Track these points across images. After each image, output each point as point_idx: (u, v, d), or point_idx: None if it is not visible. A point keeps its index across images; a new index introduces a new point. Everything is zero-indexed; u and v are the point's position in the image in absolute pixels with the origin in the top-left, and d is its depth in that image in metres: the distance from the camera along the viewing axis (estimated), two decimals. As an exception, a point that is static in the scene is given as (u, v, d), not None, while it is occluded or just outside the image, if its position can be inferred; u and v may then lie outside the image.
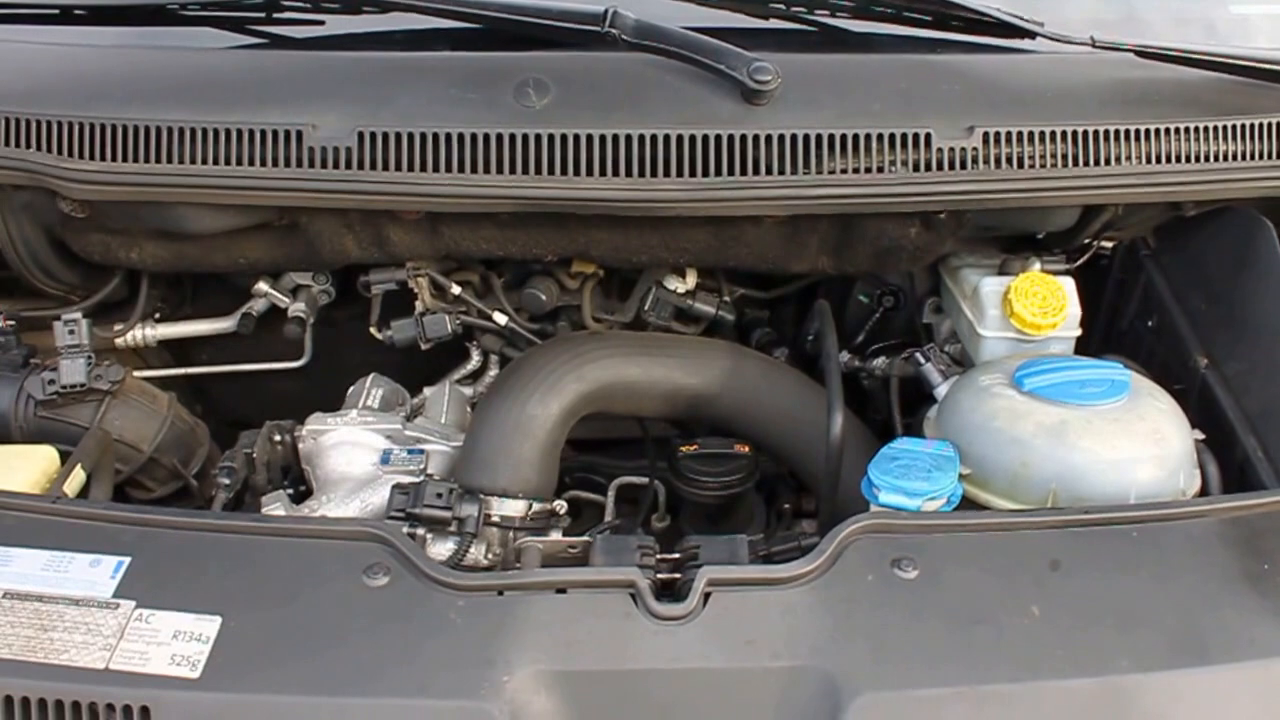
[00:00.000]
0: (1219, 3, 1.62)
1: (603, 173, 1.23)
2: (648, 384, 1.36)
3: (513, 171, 1.23)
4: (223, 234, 1.39)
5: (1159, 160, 1.29)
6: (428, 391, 1.49)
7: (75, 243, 1.44)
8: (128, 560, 1.00)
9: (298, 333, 1.56)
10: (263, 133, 1.24)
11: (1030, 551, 1.02)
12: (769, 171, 1.23)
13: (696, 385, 1.38)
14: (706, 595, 0.96)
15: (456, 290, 1.49)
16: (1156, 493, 1.12)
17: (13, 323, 1.41)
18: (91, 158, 1.26)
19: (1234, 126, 1.31)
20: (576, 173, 1.22)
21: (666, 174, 1.23)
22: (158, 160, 1.25)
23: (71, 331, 1.36)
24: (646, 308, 1.52)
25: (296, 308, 1.57)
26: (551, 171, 1.22)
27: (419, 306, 1.50)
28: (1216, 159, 1.30)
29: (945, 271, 1.54)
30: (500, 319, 1.49)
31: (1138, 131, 1.29)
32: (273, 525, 1.06)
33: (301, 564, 1.00)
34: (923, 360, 1.39)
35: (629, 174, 1.23)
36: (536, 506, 1.24)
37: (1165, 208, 1.43)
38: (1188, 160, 1.29)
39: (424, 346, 1.50)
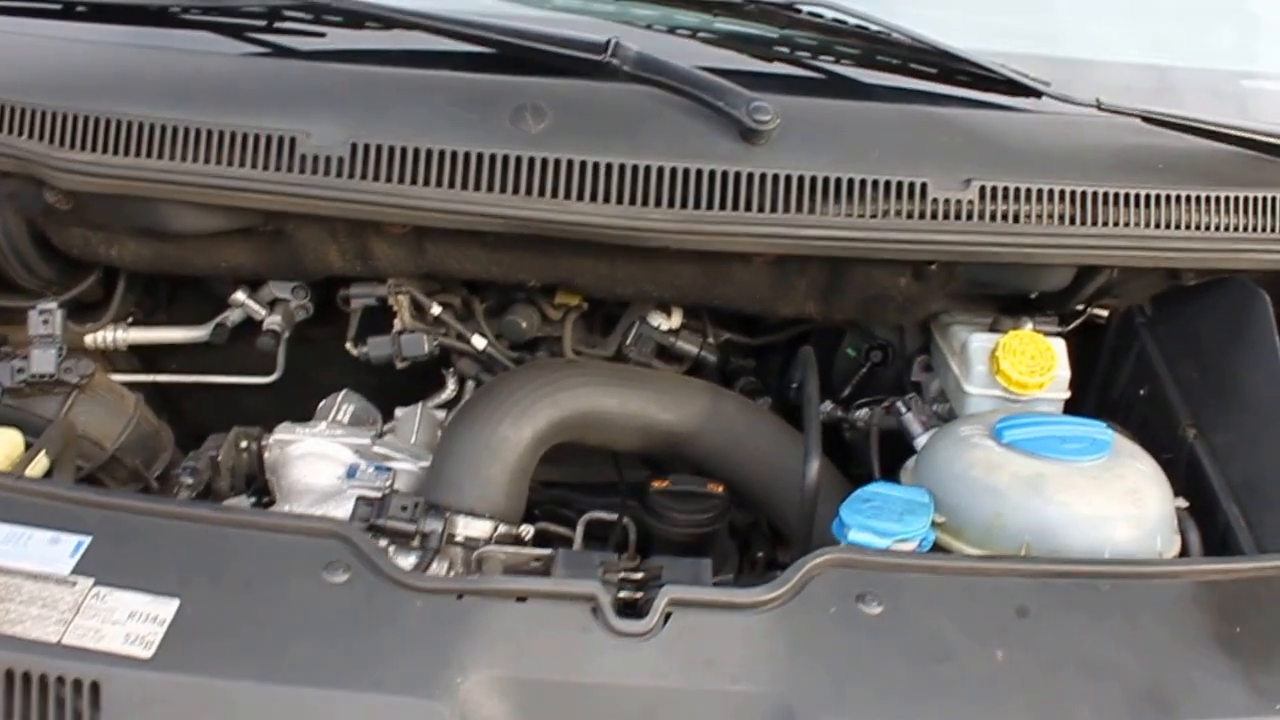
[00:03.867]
0: (1229, 78, 1.73)
1: (594, 199, 1.31)
2: (623, 416, 1.44)
3: (503, 191, 1.31)
4: (205, 237, 1.48)
5: (1158, 226, 1.38)
6: (399, 413, 1.56)
7: (56, 236, 1.53)
8: (88, 540, 1.07)
9: (270, 345, 1.64)
10: (255, 137, 1.33)
11: (999, 597, 1.10)
12: (760, 210, 1.32)
13: (673, 422, 1.46)
14: (667, 615, 1.03)
15: (437, 311, 1.57)
16: (1132, 552, 1.20)
17: None
18: (82, 148, 1.34)
19: (1237, 199, 1.41)
20: (567, 197, 1.31)
21: (658, 205, 1.31)
22: (148, 155, 1.34)
23: (45, 321, 1.44)
24: (628, 343, 1.61)
25: (272, 321, 1.65)
26: (542, 194, 1.31)
27: (397, 325, 1.58)
28: (1217, 229, 1.40)
29: (936, 328, 1.63)
30: (479, 343, 1.57)
31: (1138, 196, 1.39)
32: (235, 516, 1.13)
33: (262, 556, 1.07)
34: (904, 410, 1.48)
35: (619, 202, 1.31)
36: (502, 529, 1.31)
37: (1164, 276, 1.53)
38: (1188, 228, 1.39)
39: (399, 365, 1.57)
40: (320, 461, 1.42)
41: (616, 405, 1.43)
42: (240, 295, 1.66)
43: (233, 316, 1.69)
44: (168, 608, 1.01)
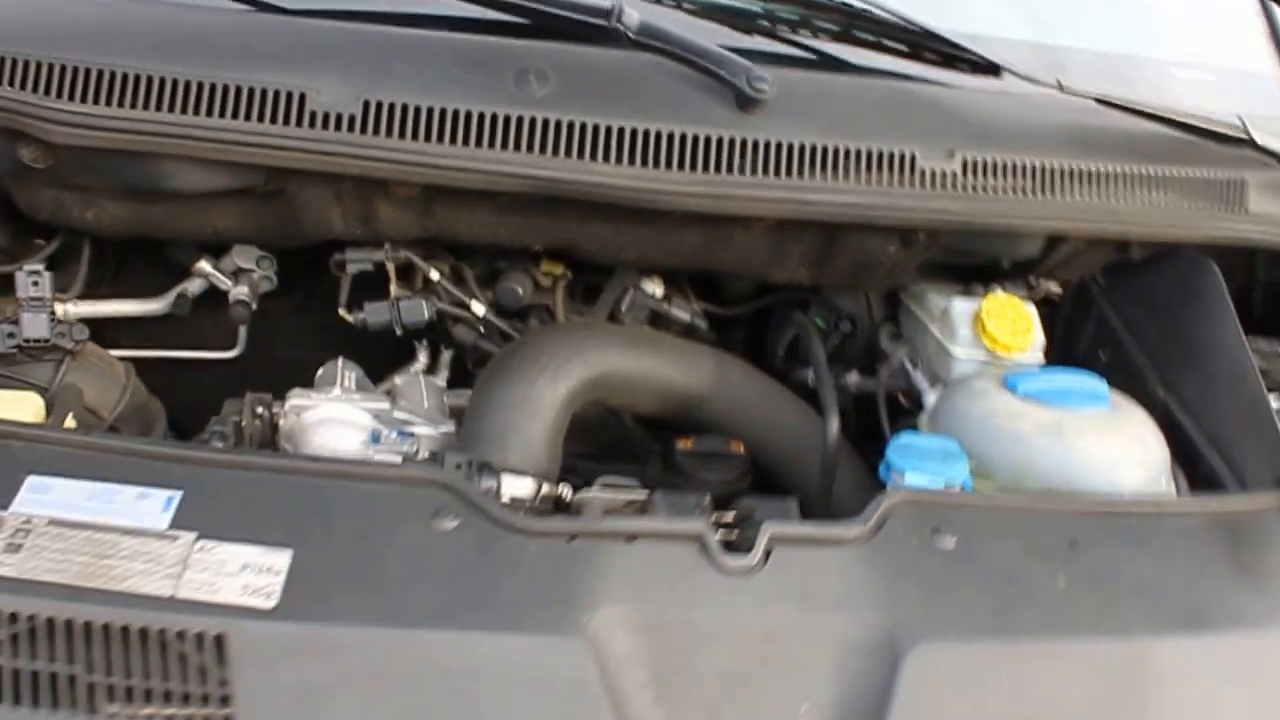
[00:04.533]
0: (1161, 66, 1.90)
1: (617, 161, 1.34)
2: (643, 378, 1.48)
3: (529, 150, 1.33)
4: (196, 198, 1.43)
5: (1119, 200, 1.52)
6: (398, 380, 1.56)
7: (22, 197, 1.46)
8: (179, 494, 1.04)
9: (244, 316, 1.60)
10: (263, 92, 1.30)
11: (1051, 530, 1.20)
12: (766, 175, 1.38)
13: (690, 384, 1.51)
14: (768, 550, 1.09)
15: (436, 276, 1.57)
16: (1142, 492, 1.32)
17: None
18: (81, 100, 1.29)
19: (1182, 176, 1.56)
20: (592, 159, 1.34)
21: (674, 168, 1.36)
22: (153, 108, 1.29)
23: (35, 283, 1.38)
24: (623, 309, 1.65)
25: (239, 291, 1.61)
26: (567, 155, 1.33)
27: (394, 291, 1.58)
28: (1167, 204, 1.55)
29: (908, 298, 1.74)
30: (478, 309, 1.58)
31: (1103, 172, 1.52)
32: (331, 466, 1.13)
33: (366, 506, 1.07)
34: (911, 368, 1.57)
35: (641, 164, 1.34)
36: (545, 489, 1.34)
37: (1114, 249, 1.68)
38: (1142, 202, 1.54)
39: (398, 332, 1.57)
40: (341, 427, 1.41)
41: (638, 366, 1.47)
42: (205, 265, 1.62)
43: (194, 286, 1.64)
44: (281, 558, 1.00)
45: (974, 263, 1.68)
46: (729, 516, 1.13)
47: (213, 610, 0.96)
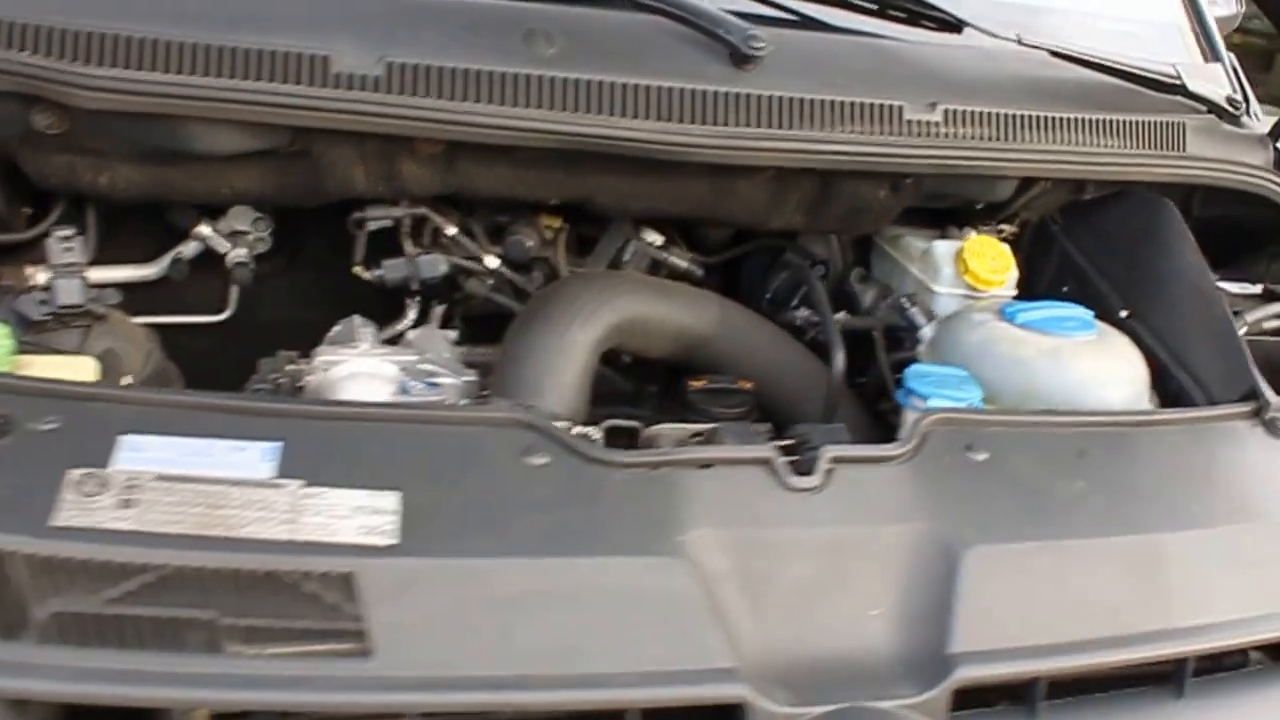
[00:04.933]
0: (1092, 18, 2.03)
1: (637, 115, 1.41)
2: (660, 323, 1.55)
3: (555, 107, 1.39)
4: (215, 160, 1.45)
5: (1079, 144, 1.65)
6: (412, 335, 1.60)
7: (31, 163, 1.45)
8: (278, 445, 1.08)
9: (247, 277, 1.63)
10: (287, 55, 1.33)
11: (1062, 443, 1.32)
12: (772, 126, 1.46)
13: (699, 327, 1.59)
14: (829, 470, 1.17)
15: (452, 231, 1.61)
16: (1132, 407, 1.45)
17: None
18: (111, 64, 1.29)
19: (1128, 121, 1.70)
20: (618, 114, 1.41)
21: (687, 120, 1.44)
22: (183, 71, 1.31)
23: (68, 249, 1.37)
24: (626, 258, 1.72)
25: (237, 254, 1.63)
26: (591, 110, 1.40)
27: (408, 248, 1.61)
28: (1118, 147, 1.68)
29: (882, 241, 1.85)
30: (491, 263, 1.63)
31: (1065, 119, 1.64)
32: (419, 412, 1.17)
33: (458, 446, 1.12)
34: (909, 305, 1.68)
35: (659, 119, 1.42)
36: (577, 431, 1.40)
37: (1070, 190, 1.81)
38: (1100, 146, 1.67)
39: (414, 288, 1.61)
40: (370, 381, 1.44)
41: (659, 312, 1.55)
42: (205, 228, 1.63)
43: (189, 250, 1.65)
44: (390, 500, 1.05)
45: (948, 206, 1.80)
46: (788, 442, 1.21)
47: (337, 550, 1.00)
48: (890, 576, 1.13)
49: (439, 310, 1.71)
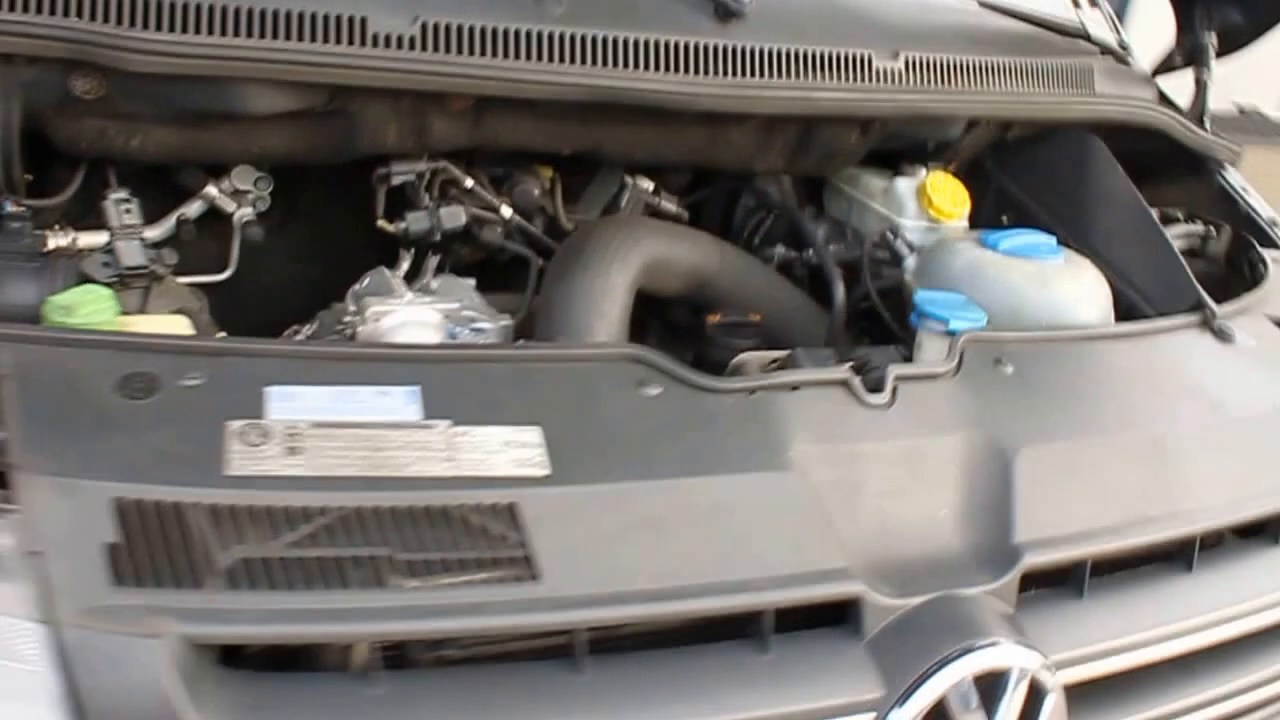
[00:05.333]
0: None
1: (658, 69, 1.50)
2: (675, 262, 1.66)
3: (577, 61, 1.46)
4: (250, 120, 1.47)
5: (1016, 87, 1.82)
6: (435, 284, 1.64)
7: (62, 129, 1.45)
8: (415, 389, 1.13)
9: (259, 235, 1.64)
10: (326, 16, 1.37)
11: (1067, 355, 1.49)
12: (764, 76, 1.58)
13: (706, 266, 1.69)
14: (895, 388, 1.30)
15: (469, 184, 1.66)
16: (1104, 323, 1.64)
17: (26, 207, 1.37)
18: (163, 29, 1.30)
19: (1051, 65, 1.88)
20: (642, 68, 1.49)
21: (698, 73, 1.53)
22: (235, 34, 1.33)
23: (128, 210, 1.37)
24: (623, 204, 1.80)
25: (244, 213, 1.65)
26: (615, 65, 1.48)
27: (426, 200, 1.65)
28: (1045, 88, 1.87)
29: (840, 182, 1.98)
30: (507, 212, 1.69)
31: (1004, 65, 1.81)
32: (538, 352, 1.24)
33: (580, 382, 1.20)
34: (893, 237, 1.82)
35: (675, 71, 1.52)
36: None
37: (998, 128, 1.99)
38: (1032, 88, 1.84)
39: (435, 239, 1.65)
40: (420, 329, 1.48)
41: (674, 252, 1.65)
42: (212, 189, 1.63)
43: (192, 210, 1.64)
44: (533, 434, 1.12)
45: (902, 147, 1.95)
46: (854, 364, 1.33)
47: (497, 484, 1.07)
48: (957, 479, 1.27)
49: (433, 261, 1.75)
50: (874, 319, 1.81)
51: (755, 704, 1.09)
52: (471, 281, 1.68)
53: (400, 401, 1.12)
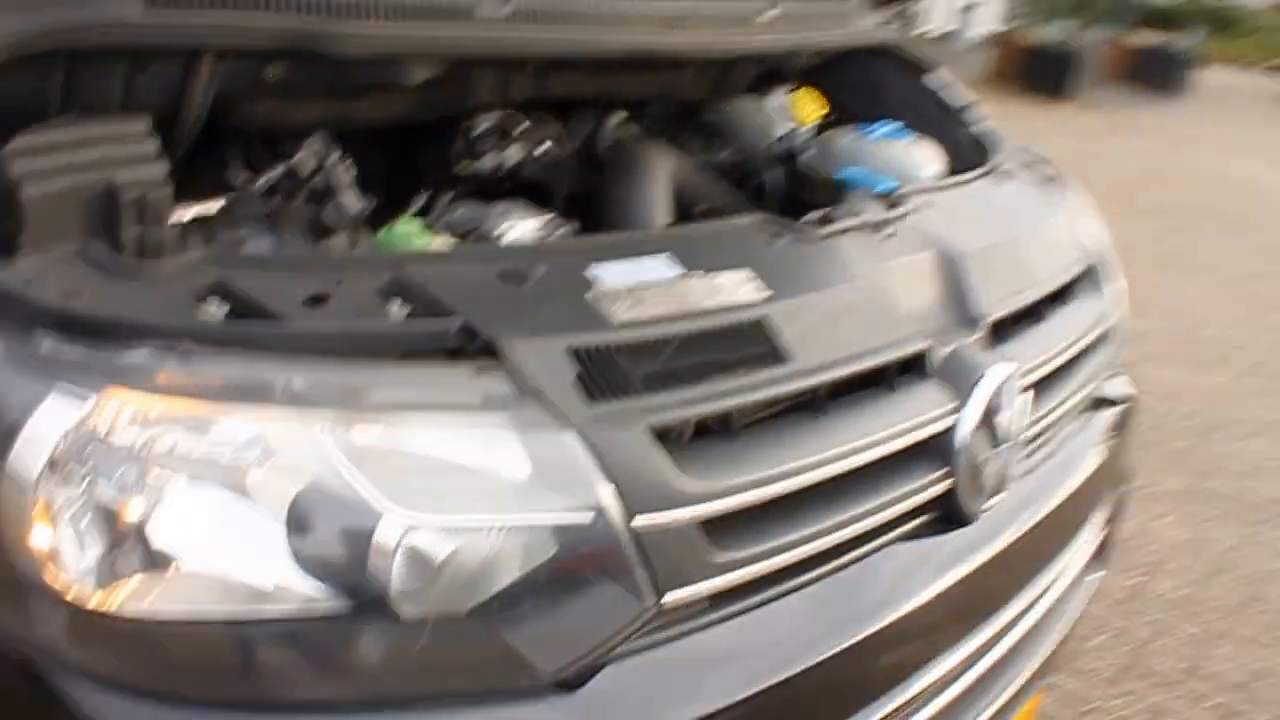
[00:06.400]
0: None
1: (680, 30, 2.10)
2: (675, 171, 2.24)
3: (629, 28, 2.03)
4: (386, 89, 1.88)
5: (828, 27, 2.57)
6: (500, 207, 2.13)
7: (240, 111, 1.78)
8: (666, 254, 1.68)
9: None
10: (450, 5, 1.84)
11: (958, 195, 2.25)
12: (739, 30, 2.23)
13: (681, 172, 2.30)
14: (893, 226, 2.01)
15: (524, 126, 2.16)
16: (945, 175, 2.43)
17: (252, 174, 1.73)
18: (363, 18, 1.71)
19: (833, 11, 2.65)
20: (668, 30, 2.08)
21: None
22: (404, 20, 1.76)
23: (347, 169, 1.76)
24: (604, 134, 2.36)
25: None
26: (649, 29, 2.06)
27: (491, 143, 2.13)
28: (836, 26, 2.63)
29: (717, 104, 2.64)
30: (542, 148, 2.20)
31: (822, 11, 2.56)
32: (711, 228, 1.84)
33: (735, 239, 1.80)
34: (797, 139, 2.50)
35: (685, 30, 2.12)
36: None
37: (813, 57, 2.74)
38: (834, 27, 2.60)
39: (499, 175, 2.14)
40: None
41: (676, 165, 2.23)
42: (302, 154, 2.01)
43: (274, 176, 2.01)
44: (742, 274, 1.70)
45: (766, 72, 2.64)
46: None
47: (747, 307, 1.65)
48: (940, 275, 2.00)
49: (447, 197, 2.23)
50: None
51: (898, 418, 1.77)
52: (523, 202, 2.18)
53: (663, 263, 1.66)
